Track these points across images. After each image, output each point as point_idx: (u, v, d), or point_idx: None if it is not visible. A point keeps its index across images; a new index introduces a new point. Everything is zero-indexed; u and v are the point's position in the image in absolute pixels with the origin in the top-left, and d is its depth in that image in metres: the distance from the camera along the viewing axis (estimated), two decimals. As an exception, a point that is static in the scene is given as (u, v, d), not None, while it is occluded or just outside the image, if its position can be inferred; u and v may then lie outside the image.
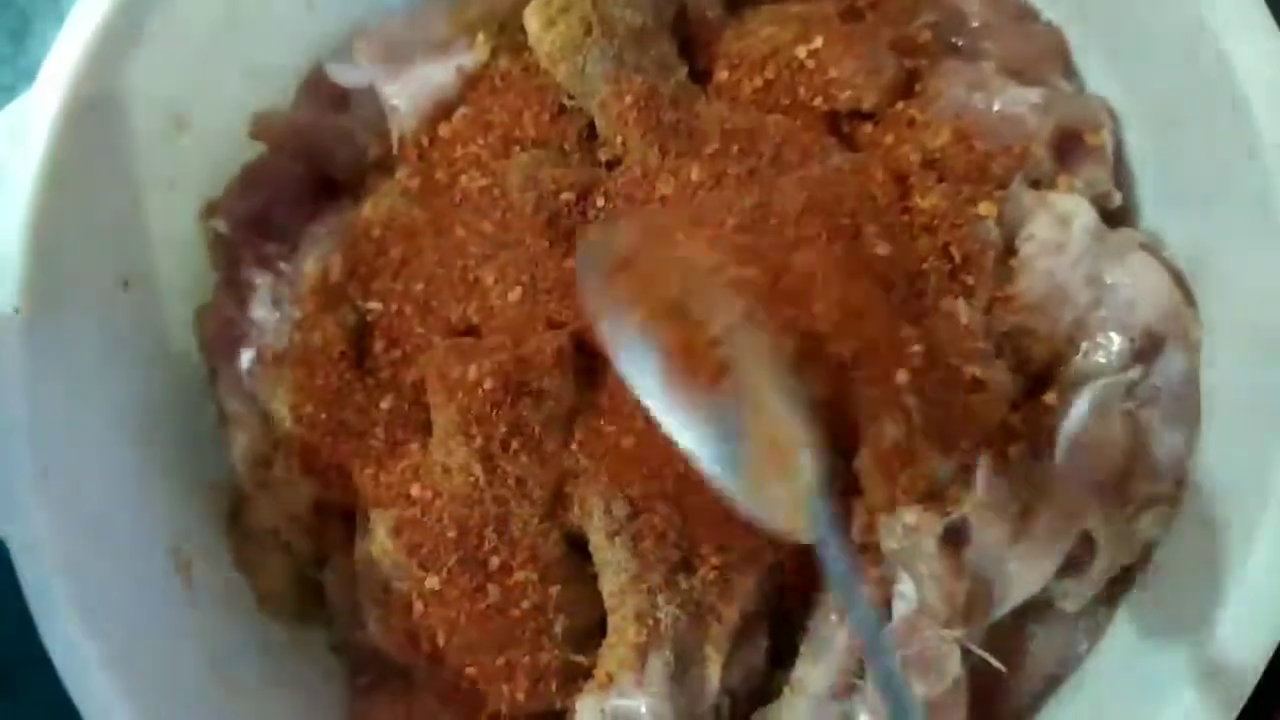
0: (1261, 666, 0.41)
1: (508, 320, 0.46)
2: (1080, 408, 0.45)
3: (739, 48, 0.50)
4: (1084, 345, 0.46)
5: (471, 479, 0.44)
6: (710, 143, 0.48)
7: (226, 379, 0.51)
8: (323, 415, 0.48)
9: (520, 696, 0.46)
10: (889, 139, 0.49)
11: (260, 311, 0.51)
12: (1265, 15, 0.43)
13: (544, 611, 0.46)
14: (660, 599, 0.44)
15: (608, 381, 0.44)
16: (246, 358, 0.51)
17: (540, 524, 0.45)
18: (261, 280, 0.51)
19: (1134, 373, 0.45)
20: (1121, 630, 0.47)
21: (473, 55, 0.51)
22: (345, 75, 0.53)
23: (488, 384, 0.42)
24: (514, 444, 0.43)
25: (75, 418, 0.48)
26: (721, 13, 0.52)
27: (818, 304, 0.44)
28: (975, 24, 0.52)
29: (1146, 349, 0.46)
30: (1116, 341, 0.45)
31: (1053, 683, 0.47)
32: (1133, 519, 0.45)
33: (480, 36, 0.51)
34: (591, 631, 0.47)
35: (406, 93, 0.51)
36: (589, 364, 0.44)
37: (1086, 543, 0.45)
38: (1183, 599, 0.44)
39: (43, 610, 0.44)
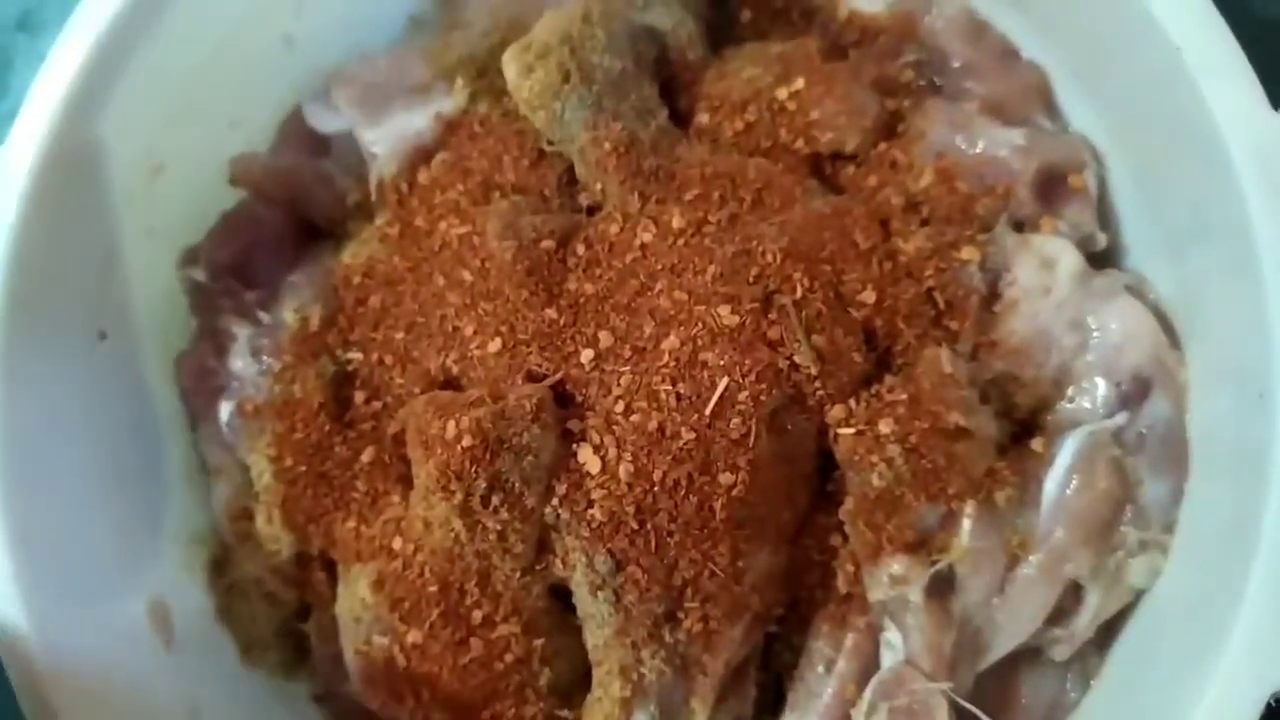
0: (1256, 716, 0.41)
1: (487, 371, 0.45)
2: (1066, 455, 0.44)
3: (720, 89, 0.50)
4: (1070, 391, 0.46)
5: (452, 533, 0.44)
6: (691, 188, 0.47)
7: (206, 430, 0.51)
8: (303, 468, 0.48)
9: (505, 752, 0.45)
10: (871, 181, 0.49)
11: (239, 362, 0.50)
12: (1240, 57, 0.42)
13: (528, 664, 0.45)
14: (645, 653, 0.43)
15: (589, 435, 0.43)
16: (226, 409, 0.50)
17: (523, 577, 0.45)
18: (240, 330, 0.50)
19: (1120, 418, 0.45)
20: (1113, 678, 0.46)
21: (452, 100, 0.51)
22: (323, 120, 0.53)
23: (466, 440, 0.42)
24: (494, 499, 0.42)
25: (52, 471, 0.47)
26: (703, 54, 0.52)
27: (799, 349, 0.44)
28: (957, 63, 0.51)
29: (1133, 394, 0.45)
30: (1102, 387, 0.45)
31: (1043, 732, 0.47)
32: (1121, 566, 0.45)
33: (459, 81, 0.51)
34: (576, 684, 0.46)
35: (385, 138, 0.51)
36: (569, 417, 0.44)
37: (1075, 591, 0.45)
38: (1175, 646, 0.44)
39: (12, 664, 0.44)
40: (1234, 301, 0.43)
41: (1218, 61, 0.42)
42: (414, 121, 0.51)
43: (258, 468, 0.49)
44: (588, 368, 0.44)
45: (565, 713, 0.46)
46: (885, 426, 0.43)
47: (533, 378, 0.44)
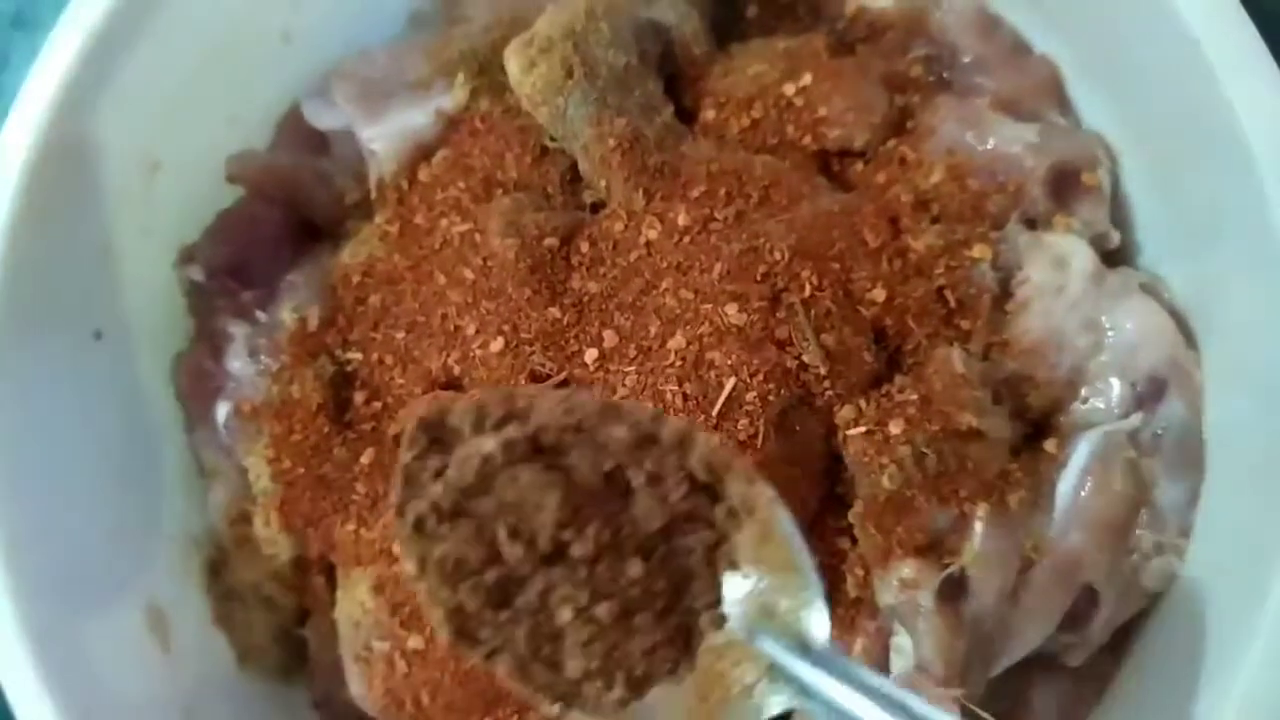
0: (1280, 720, 0.40)
1: (490, 371, 0.44)
2: (1080, 457, 0.43)
3: (726, 85, 0.49)
4: (1084, 391, 0.45)
5: (453, 537, 0.43)
6: (696, 185, 0.46)
7: (203, 432, 0.50)
8: (301, 470, 0.47)
9: (506, 759, 0.44)
10: (880, 178, 0.48)
11: (237, 362, 0.49)
12: (1262, 49, 0.42)
13: (530, 671, 0.44)
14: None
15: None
16: (223, 410, 0.49)
17: (525, 581, 0.44)
18: (238, 330, 0.50)
19: (1135, 419, 0.44)
20: (1127, 685, 0.46)
21: (452, 96, 0.50)
22: (321, 117, 0.52)
23: (468, 441, 0.41)
24: (496, 502, 0.42)
25: (46, 473, 0.47)
26: (709, 49, 0.51)
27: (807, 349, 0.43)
28: (968, 58, 0.50)
29: (1148, 395, 0.44)
30: (1117, 387, 0.44)
31: (1056, 739, 0.46)
32: (1137, 570, 0.44)
33: (460, 77, 0.50)
34: (580, 691, 0.45)
35: (385, 135, 0.50)
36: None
37: (1089, 595, 0.44)
38: (1192, 654, 0.43)
39: (7, 669, 0.43)
40: (1253, 299, 0.42)
41: (1239, 53, 0.41)
42: (414, 118, 0.50)
43: (255, 470, 0.48)
44: (592, 368, 0.43)
45: None
46: (895, 427, 0.42)
47: (536, 378, 0.44)
